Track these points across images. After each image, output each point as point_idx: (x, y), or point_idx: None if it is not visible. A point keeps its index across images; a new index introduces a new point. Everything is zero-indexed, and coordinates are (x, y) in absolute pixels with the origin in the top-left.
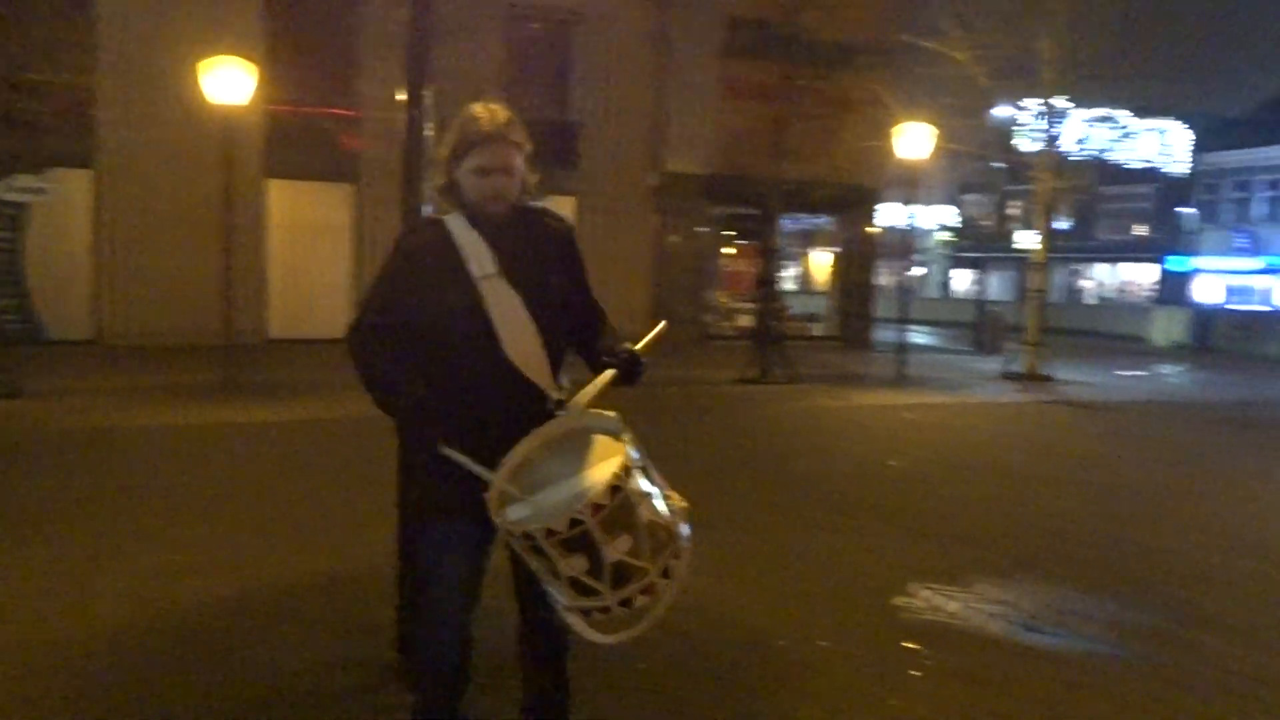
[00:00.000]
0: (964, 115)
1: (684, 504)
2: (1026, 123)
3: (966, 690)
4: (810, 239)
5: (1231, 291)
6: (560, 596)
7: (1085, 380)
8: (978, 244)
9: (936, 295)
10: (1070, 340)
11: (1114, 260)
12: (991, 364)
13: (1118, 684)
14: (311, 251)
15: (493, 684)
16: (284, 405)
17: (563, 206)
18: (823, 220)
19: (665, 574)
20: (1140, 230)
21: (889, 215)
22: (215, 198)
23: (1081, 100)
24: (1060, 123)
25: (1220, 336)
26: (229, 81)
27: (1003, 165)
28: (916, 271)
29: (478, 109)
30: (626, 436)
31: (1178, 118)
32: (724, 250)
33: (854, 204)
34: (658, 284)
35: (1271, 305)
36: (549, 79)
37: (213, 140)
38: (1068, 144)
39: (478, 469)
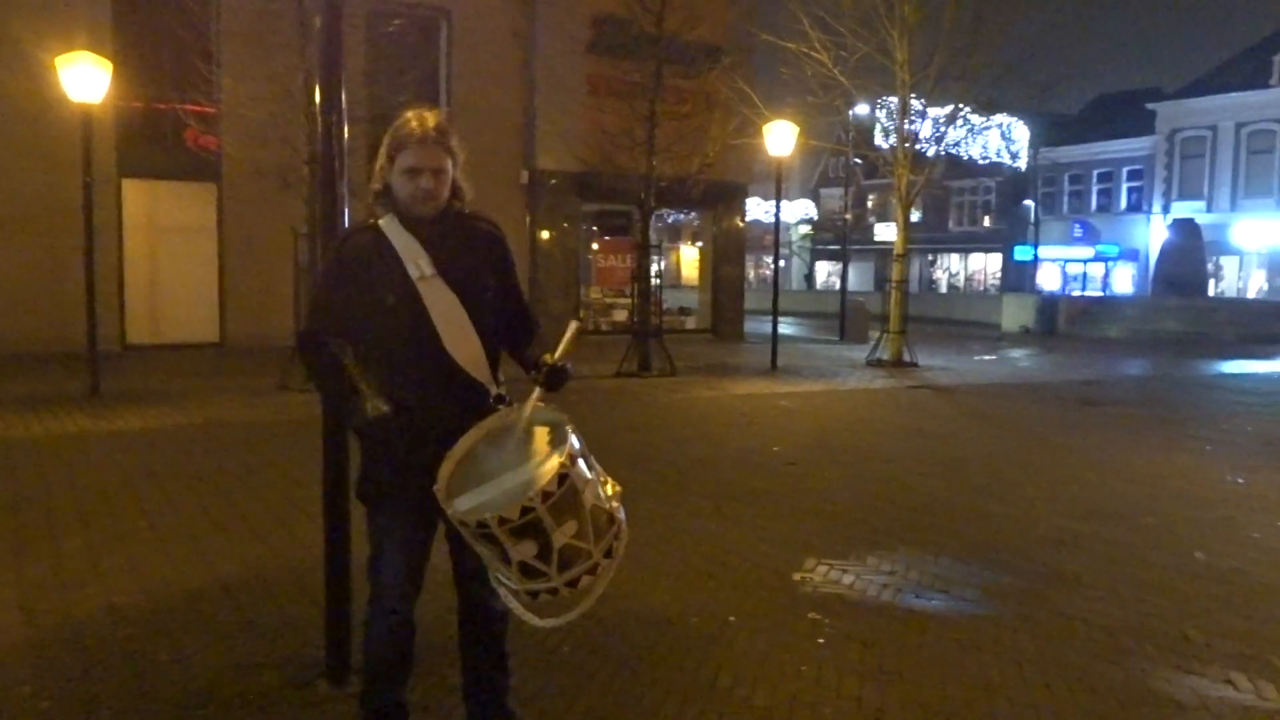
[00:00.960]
0: (826, 113)
1: (618, 488)
2: (883, 120)
3: (867, 653)
4: (680, 234)
5: (1069, 278)
6: (508, 581)
7: (945, 365)
8: (837, 237)
9: (799, 287)
10: (928, 327)
11: (964, 250)
12: (858, 352)
13: (999, 641)
14: (171, 254)
15: (429, 670)
16: (147, 412)
17: None
18: (692, 215)
19: (608, 554)
20: (987, 222)
21: (754, 210)
22: (62, 198)
23: (932, 99)
24: (917, 120)
25: (1064, 321)
26: (82, 77)
27: (860, 161)
28: (780, 264)
29: (409, 114)
30: (570, 426)
31: (1020, 116)
32: (596, 247)
33: (722, 199)
34: (531, 281)
35: (1106, 291)
36: (415, 75)
37: (62, 139)
38: (922, 140)
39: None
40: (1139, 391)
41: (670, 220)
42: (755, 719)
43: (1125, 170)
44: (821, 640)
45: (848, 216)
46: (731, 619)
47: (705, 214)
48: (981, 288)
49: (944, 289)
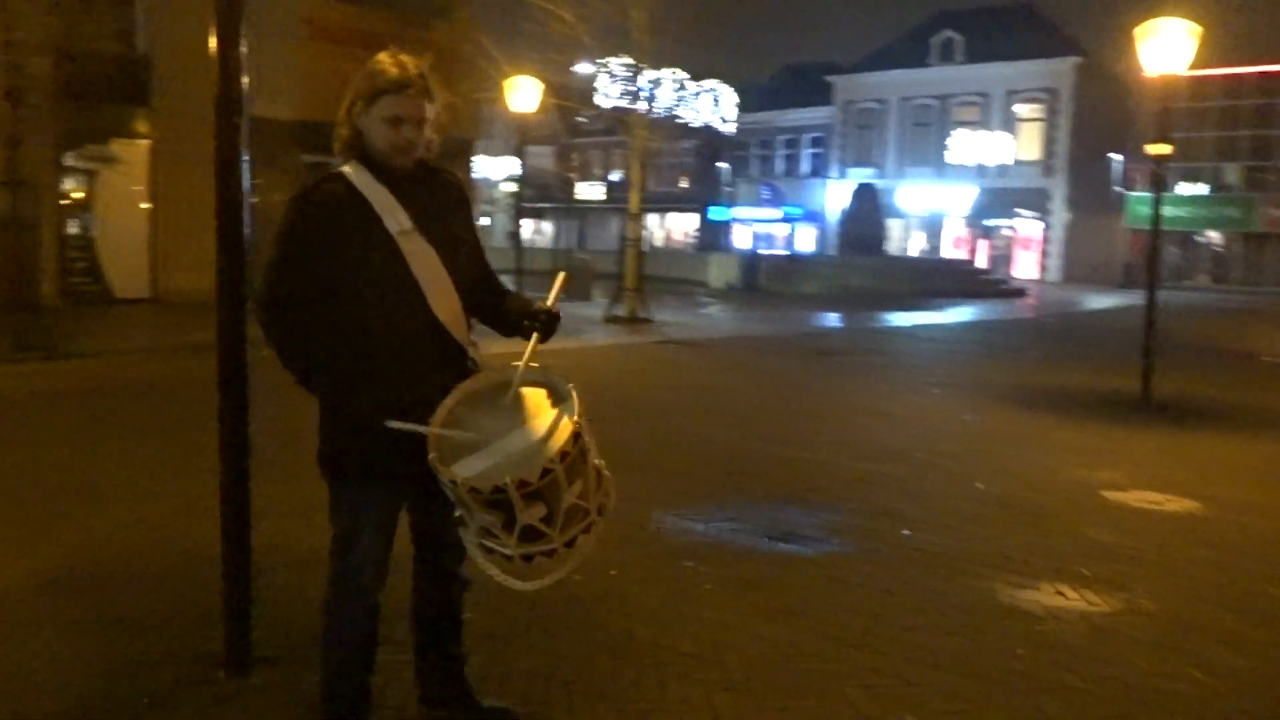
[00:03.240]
0: (564, 72)
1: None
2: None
3: (757, 595)
4: None
5: (758, 238)
6: (500, 547)
7: (677, 320)
8: (541, 195)
9: (504, 245)
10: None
11: (663, 210)
12: (589, 309)
13: (861, 574)
14: None
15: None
16: None
17: (134, 152)
18: None
19: (599, 511)
20: (684, 183)
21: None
22: None
23: (654, 63)
24: (653, 84)
25: (765, 278)
26: None
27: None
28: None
29: (385, 58)
30: (570, 385)
31: (726, 82)
32: None
33: (448, 156)
34: (248, 240)
35: (791, 250)
36: (108, 6)
37: None
38: (646, 102)
39: (425, 430)
40: (856, 342)
41: None
42: (692, 666)
43: (808, 137)
44: (709, 586)
45: (551, 175)
46: (613, 573)
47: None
48: (679, 247)
49: (647, 248)
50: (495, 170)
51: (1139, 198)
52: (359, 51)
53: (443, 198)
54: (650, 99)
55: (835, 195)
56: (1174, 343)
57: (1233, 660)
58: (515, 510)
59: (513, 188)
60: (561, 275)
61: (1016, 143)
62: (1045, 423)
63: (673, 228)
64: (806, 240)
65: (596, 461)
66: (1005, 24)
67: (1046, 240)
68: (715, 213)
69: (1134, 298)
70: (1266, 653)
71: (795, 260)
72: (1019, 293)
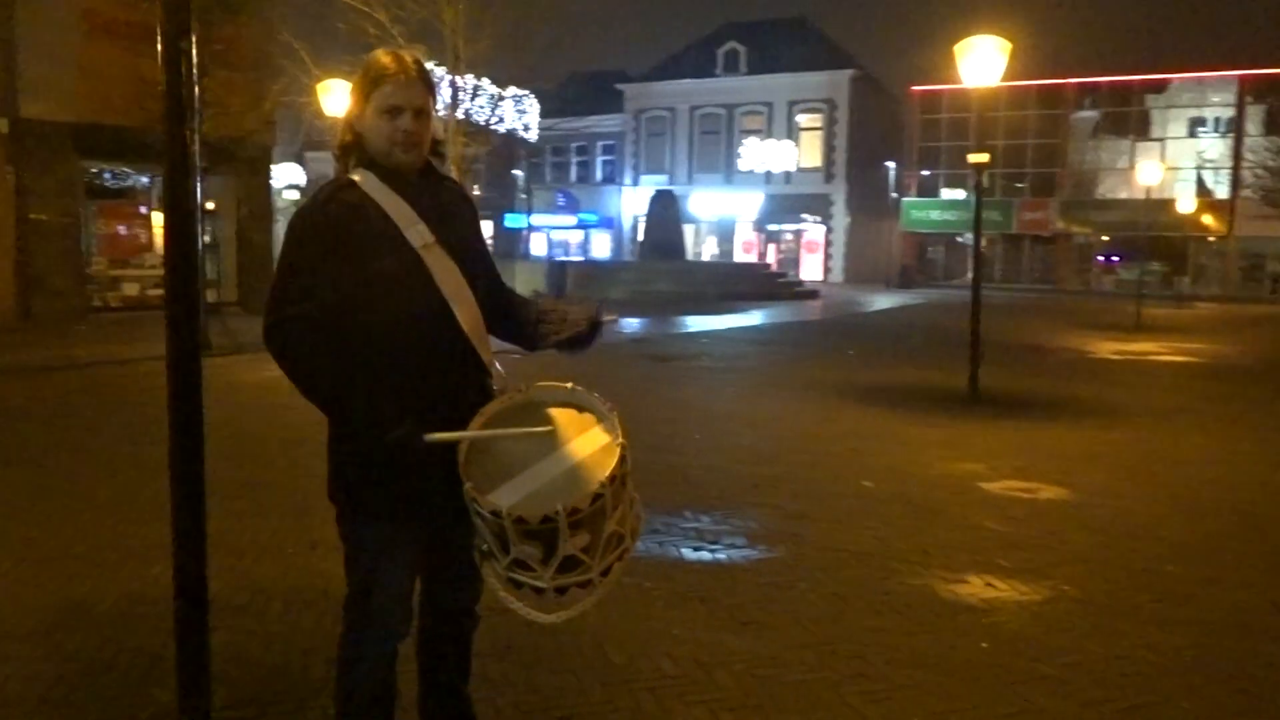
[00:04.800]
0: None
1: None
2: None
3: (715, 609)
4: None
5: (554, 245)
6: (532, 580)
7: None
8: None
9: None
10: None
11: None
12: None
13: (801, 578)
14: None
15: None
16: None
17: None
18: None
19: (632, 536)
20: (478, 190)
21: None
22: None
23: (467, 69)
24: (472, 90)
25: (573, 285)
26: None
27: None
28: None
29: (379, 54)
30: (608, 404)
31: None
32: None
33: (250, 160)
34: (21, 249)
35: (586, 256)
36: None
37: None
38: (461, 108)
39: (468, 435)
40: (684, 347)
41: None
42: (686, 687)
43: (600, 145)
44: (661, 603)
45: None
46: None
47: (229, 176)
48: None
49: None
50: (276, 178)
51: (913, 203)
52: (146, 48)
53: (454, 207)
54: (467, 105)
55: (630, 201)
56: (966, 340)
57: (1170, 639)
58: (559, 540)
59: (295, 196)
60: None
61: (799, 151)
62: (892, 419)
63: None
64: (602, 246)
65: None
66: (785, 37)
67: (829, 243)
68: (512, 220)
69: (913, 297)
70: (1195, 630)
71: (600, 266)
72: (812, 294)
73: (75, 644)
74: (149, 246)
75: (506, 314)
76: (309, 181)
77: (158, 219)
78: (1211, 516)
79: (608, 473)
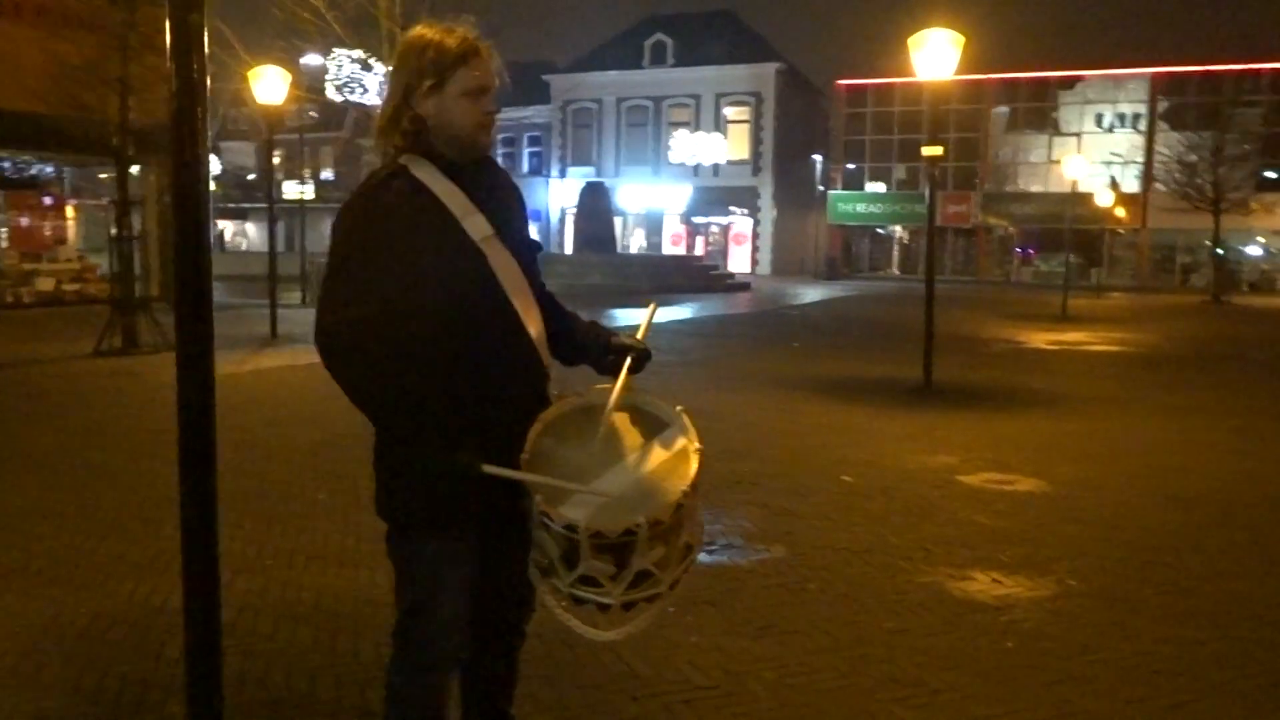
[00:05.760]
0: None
1: None
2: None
3: (725, 613)
4: (95, 187)
5: None
6: (598, 596)
7: None
8: (245, 195)
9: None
10: None
11: None
12: None
13: (806, 579)
14: None
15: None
16: None
17: None
18: (134, 168)
19: (697, 545)
20: None
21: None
22: None
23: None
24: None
25: None
26: None
27: (314, 115)
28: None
29: (426, 30)
30: (678, 407)
31: None
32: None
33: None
34: None
35: None
36: None
37: None
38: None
39: (534, 479)
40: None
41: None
42: (721, 700)
43: (526, 136)
44: (672, 608)
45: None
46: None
47: (152, 167)
48: None
49: None
50: None
51: (839, 195)
52: (68, 32)
53: (505, 195)
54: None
55: (558, 194)
56: (905, 331)
57: (1187, 632)
58: (633, 554)
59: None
60: (653, 306)
61: (727, 143)
62: (855, 412)
63: None
64: None
65: None
66: (712, 30)
67: (756, 236)
68: None
69: (841, 288)
70: (1207, 622)
71: None
72: (744, 286)
73: (53, 673)
74: (64, 239)
75: (553, 320)
76: (223, 171)
77: (70, 211)
78: (1187, 505)
79: (688, 481)
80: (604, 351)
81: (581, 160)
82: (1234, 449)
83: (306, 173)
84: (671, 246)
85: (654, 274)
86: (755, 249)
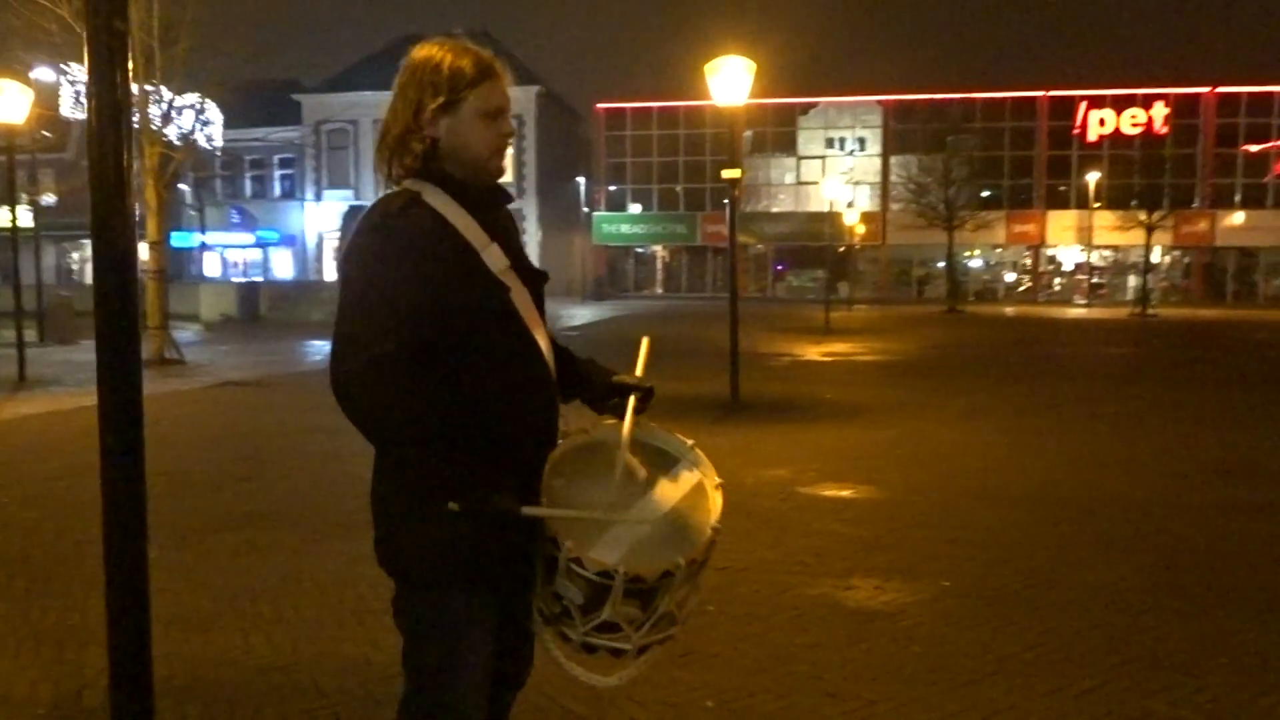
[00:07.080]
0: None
1: None
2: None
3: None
4: None
5: (228, 265)
6: (613, 643)
7: (214, 360)
8: None
9: None
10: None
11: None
12: (82, 355)
13: (715, 600)
14: None
15: None
16: None
17: None
18: None
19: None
20: (139, 209)
21: None
22: None
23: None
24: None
25: (267, 307)
26: None
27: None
28: None
29: (434, 49)
30: (690, 442)
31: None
32: None
33: None
34: None
35: (267, 276)
36: None
37: None
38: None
39: (576, 514)
40: None
41: None
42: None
43: (277, 158)
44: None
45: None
46: None
47: None
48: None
49: (89, 278)
50: None
51: (604, 216)
52: None
53: (510, 223)
54: (165, 113)
55: (314, 218)
56: (691, 348)
57: (1069, 623)
58: (660, 597)
59: None
60: (646, 341)
61: None
62: (674, 429)
63: None
64: (284, 266)
65: None
66: None
67: None
68: (178, 239)
69: (610, 308)
70: (1079, 612)
71: (295, 286)
72: None
73: None
74: None
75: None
76: None
77: None
78: (1013, 504)
79: (715, 516)
80: (607, 392)
81: (338, 183)
82: (1029, 448)
83: (25, 196)
84: None
85: None
86: None
